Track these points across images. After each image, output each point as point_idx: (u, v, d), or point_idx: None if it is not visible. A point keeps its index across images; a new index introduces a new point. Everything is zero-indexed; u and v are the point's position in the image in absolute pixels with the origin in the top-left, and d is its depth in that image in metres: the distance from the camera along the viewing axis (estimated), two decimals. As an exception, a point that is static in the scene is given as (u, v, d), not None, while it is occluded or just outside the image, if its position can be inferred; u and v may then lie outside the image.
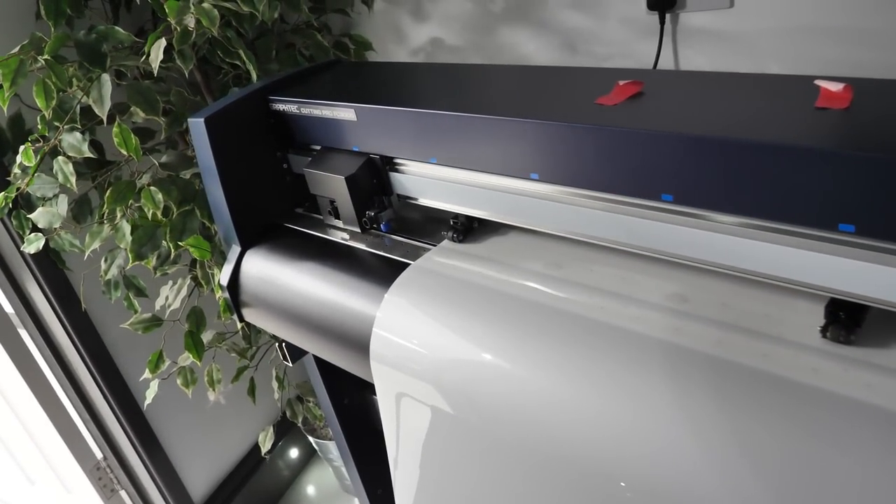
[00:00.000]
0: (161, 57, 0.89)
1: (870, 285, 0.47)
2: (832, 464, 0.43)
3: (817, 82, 0.52)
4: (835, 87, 0.50)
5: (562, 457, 0.55)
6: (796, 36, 1.03)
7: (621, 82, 0.60)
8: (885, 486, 0.41)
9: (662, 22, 1.10)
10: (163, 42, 0.90)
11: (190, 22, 0.88)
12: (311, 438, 1.66)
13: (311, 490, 1.81)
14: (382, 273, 0.72)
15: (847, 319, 0.48)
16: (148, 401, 1.18)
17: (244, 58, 0.96)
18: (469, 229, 0.73)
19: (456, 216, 0.73)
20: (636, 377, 0.52)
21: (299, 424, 1.54)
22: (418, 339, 0.64)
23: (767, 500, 0.45)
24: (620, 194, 0.57)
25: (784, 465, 0.44)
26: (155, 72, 0.89)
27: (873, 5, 0.95)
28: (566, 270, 0.64)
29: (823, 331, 0.49)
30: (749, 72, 0.55)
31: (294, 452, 1.84)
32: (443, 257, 0.71)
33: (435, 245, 0.74)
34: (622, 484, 0.51)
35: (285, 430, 1.81)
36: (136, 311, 1.15)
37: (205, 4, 0.88)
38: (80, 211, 1.06)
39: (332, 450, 1.61)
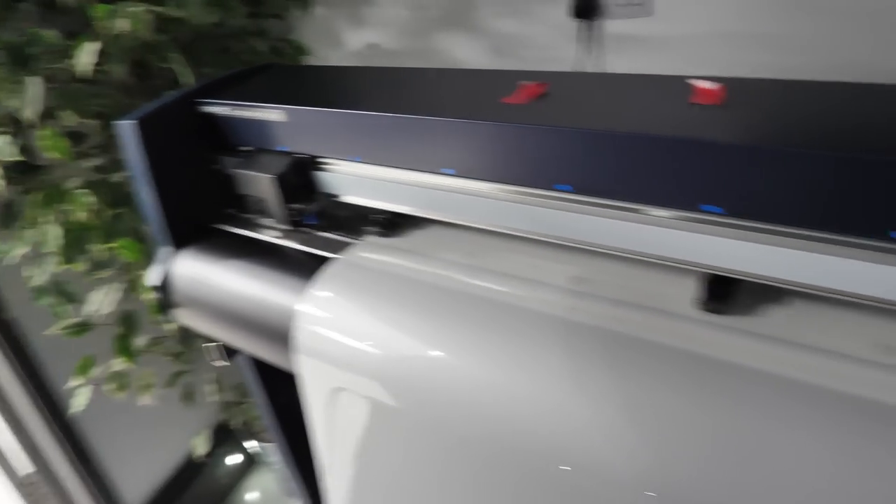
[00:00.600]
0: (93, 60, 0.90)
1: (739, 261, 0.52)
2: (712, 421, 0.48)
3: (691, 81, 0.57)
4: (709, 85, 0.55)
5: (492, 435, 0.58)
6: (709, 41, 1.10)
7: (525, 83, 0.64)
8: (755, 437, 0.46)
9: (585, 29, 1.16)
10: (94, 45, 0.91)
11: (122, 25, 0.89)
12: (250, 442, 1.66)
13: (252, 495, 1.80)
14: (309, 268, 0.75)
15: (720, 292, 0.53)
16: (77, 408, 1.17)
17: (176, 62, 0.98)
18: (392, 224, 0.76)
19: (379, 212, 0.76)
20: (543, 354, 0.56)
21: (237, 427, 1.54)
22: (341, 329, 0.67)
23: (653, 457, 0.49)
24: (525, 186, 0.61)
25: (669, 425, 0.49)
26: (86, 75, 0.90)
27: (773, 14, 1.02)
28: (480, 259, 0.67)
29: (700, 303, 0.54)
30: (663, 74, 0.60)
31: (234, 457, 1.84)
32: (365, 251, 0.74)
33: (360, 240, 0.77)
34: (556, 464, 0.55)
35: (225, 434, 1.80)
36: (65, 318, 1.15)
37: (134, 9, 0.90)
38: (8, 215, 1.05)
39: (273, 453, 1.62)
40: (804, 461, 0.45)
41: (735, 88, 0.56)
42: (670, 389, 0.50)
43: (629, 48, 1.15)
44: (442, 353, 0.61)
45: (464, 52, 1.31)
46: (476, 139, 0.61)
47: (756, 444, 0.46)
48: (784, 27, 1.04)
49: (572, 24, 1.18)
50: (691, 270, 0.56)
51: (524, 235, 0.65)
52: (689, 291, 0.56)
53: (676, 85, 0.58)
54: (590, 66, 1.19)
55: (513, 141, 0.58)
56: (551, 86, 0.64)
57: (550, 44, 1.21)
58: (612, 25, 1.19)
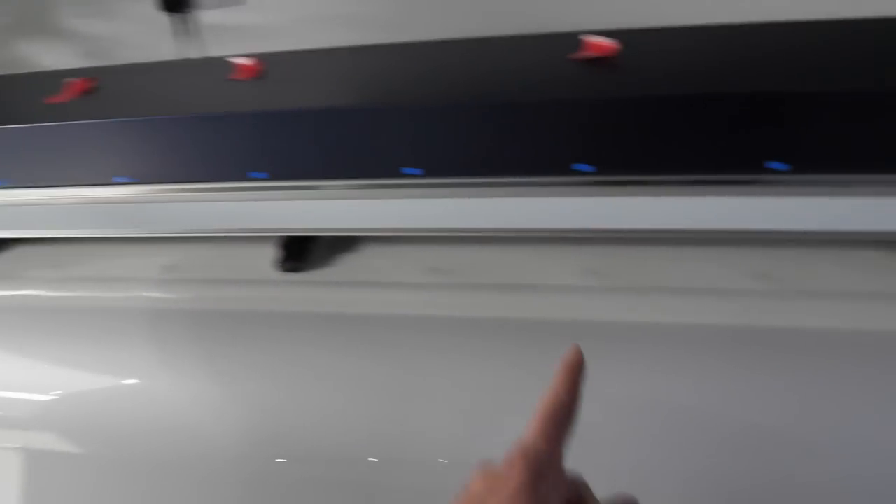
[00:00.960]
0: None
1: (307, 220, 0.56)
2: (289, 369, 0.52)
3: (232, 59, 0.60)
4: (247, 61, 0.59)
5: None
6: (302, 24, 1.15)
7: (72, 81, 0.61)
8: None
9: (179, 22, 1.13)
10: None
11: None
12: None
13: None
14: None
15: (295, 252, 0.57)
16: None
17: None
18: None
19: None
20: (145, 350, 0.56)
21: None
22: None
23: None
24: (88, 184, 0.58)
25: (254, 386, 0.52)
26: None
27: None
28: (65, 270, 0.63)
29: (278, 264, 0.57)
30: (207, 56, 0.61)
31: None
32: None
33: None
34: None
35: None
36: None
37: None
38: None
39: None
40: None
41: (273, 63, 0.60)
42: (258, 350, 0.54)
43: (228, 38, 1.16)
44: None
45: (51, 58, 1.20)
46: (24, 144, 0.57)
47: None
48: (368, 8, 1.13)
49: (165, 20, 1.15)
50: (269, 237, 0.60)
51: (107, 235, 0.63)
52: (269, 257, 0.59)
53: (218, 65, 0.60)
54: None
55: (59, 141, 0.55)
56: (100, 81, 0.62)
57: (145, 42, 1.17)
58: (207, 16, 1.18)
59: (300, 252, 0.58)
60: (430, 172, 0.50)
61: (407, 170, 0.51)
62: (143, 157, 0.55)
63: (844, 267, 0.51)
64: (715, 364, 0.48)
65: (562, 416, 0.30)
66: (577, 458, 0.31)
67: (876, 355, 0.46)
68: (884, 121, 0.43)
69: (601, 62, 0.51)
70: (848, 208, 0.47)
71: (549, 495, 0.28)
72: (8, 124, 0.56)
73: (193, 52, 1.17)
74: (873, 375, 0.45)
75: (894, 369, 0.45)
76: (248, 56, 0.60)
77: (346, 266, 0.58)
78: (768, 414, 0.46)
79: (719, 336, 0.48)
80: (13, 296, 0.63)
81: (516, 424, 0.31)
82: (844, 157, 0.45)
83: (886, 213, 0.47)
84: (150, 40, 1.16)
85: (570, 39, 0.53)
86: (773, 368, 0.47)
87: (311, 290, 0.56)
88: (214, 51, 1.17)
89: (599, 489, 0.32)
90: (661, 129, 0.46)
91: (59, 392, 0.58)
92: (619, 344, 0.49)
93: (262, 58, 0.60)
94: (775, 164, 0.46)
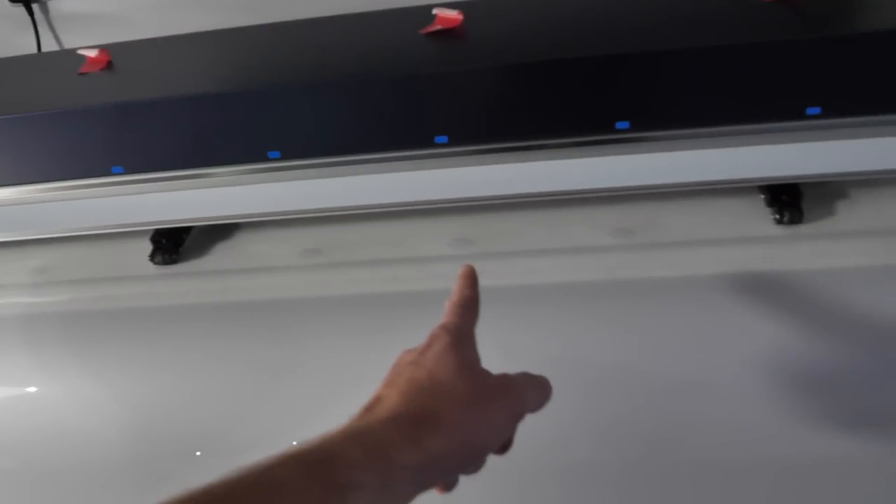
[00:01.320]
0: None
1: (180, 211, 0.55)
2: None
3: (81, 51, 0.58)
4: (94, 53, 0.57)
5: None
6: (157, 9, 1.10)
7: None
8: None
9: (31, 13, 1.07)
10: None
11: None
12: None
13: None
14: None
15: (169, 245, 0.57)
16: None
17: None
18: None
19: None
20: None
21: None
22: None
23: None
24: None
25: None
26: None
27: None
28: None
29: (152, 258, 0.57)
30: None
31: None
32: None
33: None
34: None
35: None
36: None
37: None
38: None
39: None
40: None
41: (119, 54, 0.58)
42: (140, 348, 0.53)
43: (86, 26, 1.10)
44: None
45: None
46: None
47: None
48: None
49: (16, 12, 1.08)
50: (142, 232, 0.58)
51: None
52: (143, 252, 0.58)
53: (70, 58, 0.58)
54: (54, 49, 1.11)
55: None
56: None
57: (1, 37, 1.10)
58: (60, 6, 1.12)
59: (174, 244, 0.57)
60: (290, 154, 0.50)
61: (272, 153, 0.51)
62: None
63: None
64: (582, 318, 0.51)
65: (469, 304, 0.35)
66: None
67: (729, 296, 0.50)
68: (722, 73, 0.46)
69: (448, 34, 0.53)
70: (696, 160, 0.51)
71: (472, 356, 0.32)
72: None
73: (52, 42, 1.11)
74: (727, 315, 0.50)
75: (747, 309, 0.49)
76: (96, 47, 0.58)
77: (221, 254, 0.58)
78: (633, 357, 0.50)
79: (585, 292, 0.51)
80: None
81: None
82: (686, 113, 0.48)
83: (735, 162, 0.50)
84: (5, 32, 1.09)
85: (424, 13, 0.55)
86: (635, 316, 0.51)
87: (187, 282, 0.56)
88: (71, 39, 1.12)
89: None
90: (511, 96, 0.48)
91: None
92: (492, 306, 0.51)
93: (110, 48, 0.58)
94: (623, 124, 0.49)
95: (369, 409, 0.29)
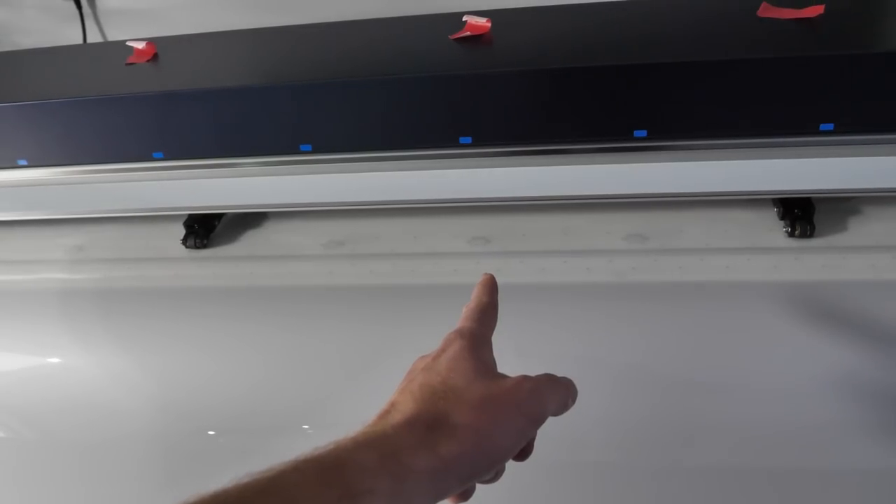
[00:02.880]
0: None
1: (214, 198, 0.58)
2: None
3: (130, 43, 0.61)
4: (141, 45, 0.60)
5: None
6: (200, 7, 1.14)
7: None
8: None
9: (79, 6, 1.11)
10: None
11: None
12: None
13: None
14: None
15: (203, 229, 0.59)
16: None
17: None
18: None
19: None
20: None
21: None
22: None
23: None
24: None
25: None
26: None
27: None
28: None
29: (184, 241, 0.59)
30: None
31: None
32: None
33: None
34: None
35: None
36: None
37: None
38: None
39: None
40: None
41: (163, 47, 0.61)
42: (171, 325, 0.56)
43: (130, 22, 1.15)
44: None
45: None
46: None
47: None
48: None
49: (64, 6, 1.13)
50: (175, 216, 0.61)
51: (12, 219, 0.63)
52: (177, 235, 0.61)
53: (118, 49, 0.61)
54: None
55: None
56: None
57: (47, 28, 1.14)
58: (106, 2, 1.16)
59: (205, 230, 0.60)
60: (320, 148, 0.53)
61: (304, 146, 0.54)
62: (46, 141, 0.56)
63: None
64: (598, 317, 0.53)
65: (487, 311, 0.35)
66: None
67: (740, 303, 0.51)
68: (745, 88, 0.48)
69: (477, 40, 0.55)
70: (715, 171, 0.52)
71: (488, 360, 0.32)
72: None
73: (97, 35, 1.15)
74: (738, 320, 0.51)
75: (758, 314, 0.50)
76: (143, 40, 0.61)
77: (249, 241, 0.61)
78: (648, 357, 0.51)
79: (600, 292, 0.53)
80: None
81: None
82: (702, 124, 0.50)
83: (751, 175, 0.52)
84: (54, 27, 1.13)
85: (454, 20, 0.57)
86: (649, 318, 0.52)
87: (216, 266, 0.58)
88: (115, 33, 1.16)
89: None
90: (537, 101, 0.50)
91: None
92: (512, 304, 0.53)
93: (157, 41, 0.61)
94: (641, 133, 0.51)
95: (383, 415, 0.29)
